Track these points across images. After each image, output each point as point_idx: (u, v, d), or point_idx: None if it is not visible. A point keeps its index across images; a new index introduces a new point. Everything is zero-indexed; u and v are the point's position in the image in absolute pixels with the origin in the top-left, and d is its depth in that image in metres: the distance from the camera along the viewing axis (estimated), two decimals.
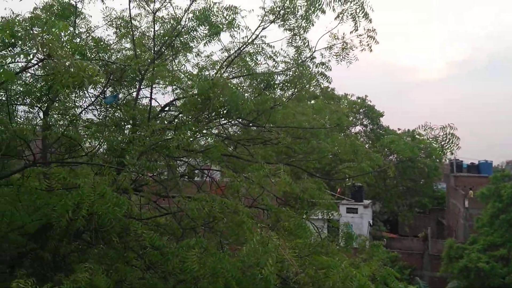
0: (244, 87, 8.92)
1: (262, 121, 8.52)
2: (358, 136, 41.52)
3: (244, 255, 5.12)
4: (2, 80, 3.82)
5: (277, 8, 8.04)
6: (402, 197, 44.63)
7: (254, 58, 8.67)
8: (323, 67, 8.84)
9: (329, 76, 9.00)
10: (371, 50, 8.58)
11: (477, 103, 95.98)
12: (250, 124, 8.81)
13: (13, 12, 8.04)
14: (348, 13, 7.98)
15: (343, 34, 8.70)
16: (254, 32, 8.35)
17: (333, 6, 7.78)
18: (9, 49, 7.12)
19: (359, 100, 43.67)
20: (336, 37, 8.76)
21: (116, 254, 7.17)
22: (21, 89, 8.13)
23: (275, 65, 8.78)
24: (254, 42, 8.52)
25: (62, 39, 4.10)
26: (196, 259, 5.24)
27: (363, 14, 7.85)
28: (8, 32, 5.78)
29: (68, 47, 4.17)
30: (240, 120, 8.50)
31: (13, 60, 6.13)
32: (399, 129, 42.35)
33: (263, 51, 8.68)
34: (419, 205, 45.96)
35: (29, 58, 4.38)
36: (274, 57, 8.71)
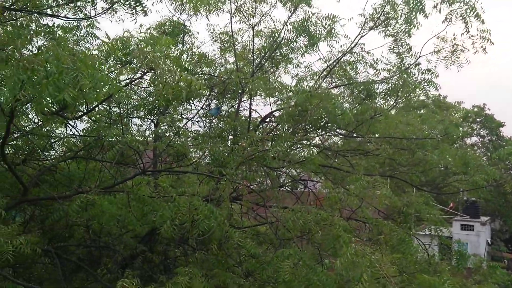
0: (344, 97, 8.76)
1: (363, 131, 8.28)
2: (475, 147, 38.36)
3: (338, 267, 4.99)
4: (111, 93, 4.20)
5: (377, 14, 7.81)
6: None
7: (353, 67, 8.50)
8: (429, 73, 8.35)
9: (436, 83, 8.48)
10: (485, 52, 7.91)
11: None
12: (353, 134, 8.60)
13: (129, 32, 8.82)
14: (457, 14, 7.46)
15: (454, 34, 8.16)
16: (354, 40, 8.21)
17: (439, 8, 7.32)
18: (126, 66, 7.82)
19: (475, 109, 40.38)
20: (444, 40, 8.23)
21: (216, 260, 7.43)
22: (136, 103, 8.90)
23: (376, 73, 8.51)
24: (353, 50, 8.37)
25: (165, 54, 4.39)
26: (289, 269, 5.22)
27: (474, 14, 7.29)
28: (126, 51, 6.37)
29: (170, 61, 4.45)
30: (339, 130, 8.36)
31: (127, 76, 6.72)
32: None
33: (363, 59, 8.48)
34: None
35: (135, 72, 4.77)
36: (374, 65, 8.45)
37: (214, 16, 9.47)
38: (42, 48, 6.87)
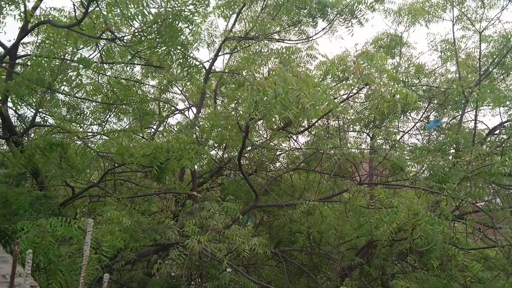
0: None
1: None
2: None
3: None
4: (330, 109, 4.50)
5: None
6: None
7: None
8: None
9: None
10: None
11: None
12: None
13: (346, 49, 9.18)
14: None
15: None
16: None
17: None
18: (343, 82, 8.21)
19: None
20: None
21: (437, 281, 7.04)
22: (352, 117, 9.18)
23: None
24: None
25: (380, 69, 4.49)
26: None
27: None
28: (343, 67, 6.73)
29: (386, 75, 4.53)
30: None
31: (344, 92, 7.05)
32: None
33: None
34: None
35: (351, 88, 5.00)
36: None
37: (434, 24, 9.08)
38: (271, 71, 7.79)
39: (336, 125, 8.48)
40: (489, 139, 8.31)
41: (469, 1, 8.15)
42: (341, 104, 6.40)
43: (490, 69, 8.31)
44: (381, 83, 4.14)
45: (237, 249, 4.76)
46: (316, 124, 8.42)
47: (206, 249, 4.47)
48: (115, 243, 4.21)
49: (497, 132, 8.61)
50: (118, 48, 6.67)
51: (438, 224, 5.14)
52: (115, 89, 7.14)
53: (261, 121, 8.12)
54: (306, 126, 6.09)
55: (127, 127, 8.63)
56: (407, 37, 9.63)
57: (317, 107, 3.97)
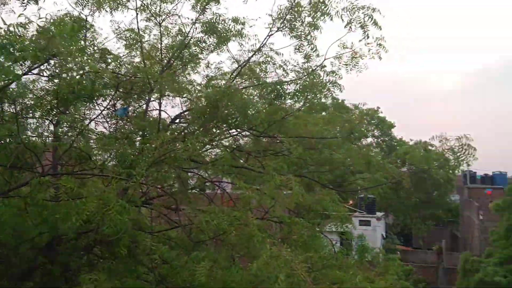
0: (254, 97, 8.80)
1: (274, 131, 8.37)
2: (371, 147, 41.05)
3: (255, 269, 4.97)
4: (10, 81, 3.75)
5: (283, 14, 7.94)
6: (415, 209, 43.93)
7: (263, 67, 8.57)
8: (334, 75, 8.64)
9: (340, 85, 8.81)
10: (380, 58, 8.31)
11: (491, 114, 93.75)
12: (262, 135, 8.64)
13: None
14: (356, 22, 7.81)
15: (352, 43, 8.46)
16: (263, 41, 8.29)
17: (341, 15, 7.64)
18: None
19: (369, 112, 43.25)
20: (345, 46, 8.52)
21: (126, 268, 7.05)
22: (32, 102, 8.09)
23: (285, 74, 8.66)
24: (262, 50, 8.44)
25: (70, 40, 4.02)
26: (205, 272, 5.10)
27: (371, 22, 7.67)
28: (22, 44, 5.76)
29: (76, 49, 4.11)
30: (251, 130, 8.36)
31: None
32: (411, 139, 42.06)
33: (272, 60, 8.59)
34: (433, 218, 45.20)
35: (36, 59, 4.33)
36: (283, 66, 8.60)
37: (119, 13, 8.97)
38: None
39: (12, 110, 7.32)
40: (172, 127, 8.85)
41: None
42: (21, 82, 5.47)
43: (171, 61, 8.85)
44: (72, 56, 3.70)
45: None
46: None
47: None
48: None
49: (177, 121, 9.27)
50: None
51: (128, 213, 5.11)
52: None
53: None
54: None
55: None
56: (93, 21, 9.19)
57: None
